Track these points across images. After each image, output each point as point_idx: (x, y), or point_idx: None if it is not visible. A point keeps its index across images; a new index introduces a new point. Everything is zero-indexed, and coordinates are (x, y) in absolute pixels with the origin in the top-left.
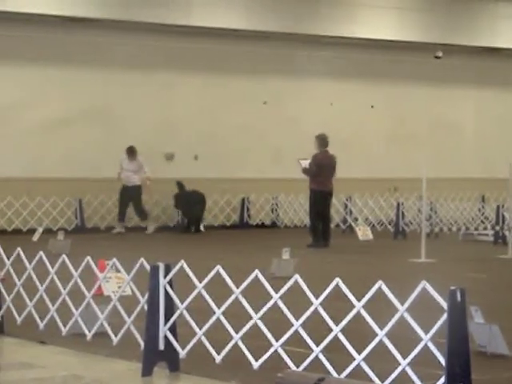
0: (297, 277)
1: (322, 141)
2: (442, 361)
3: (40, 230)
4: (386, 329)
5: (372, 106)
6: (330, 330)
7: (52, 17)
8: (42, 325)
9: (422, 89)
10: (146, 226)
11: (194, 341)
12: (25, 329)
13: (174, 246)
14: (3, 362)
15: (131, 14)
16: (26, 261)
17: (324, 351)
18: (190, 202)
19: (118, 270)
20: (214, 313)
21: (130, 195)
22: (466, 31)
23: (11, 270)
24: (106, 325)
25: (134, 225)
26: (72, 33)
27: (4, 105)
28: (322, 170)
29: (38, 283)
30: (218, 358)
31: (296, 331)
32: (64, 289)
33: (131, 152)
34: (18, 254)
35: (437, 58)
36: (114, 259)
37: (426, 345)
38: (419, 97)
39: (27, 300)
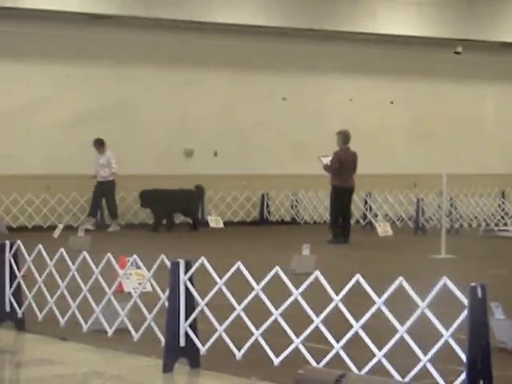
0: (317, 273)
1: (344, 137)
2: (463, 357)
3: (60, 226)
4: (407, 325)
5: (391, 102)
6: (351, 327)
7: (71, 14)
8: (62, 321)
9: (441, 84)
10: (110, 223)
11: (215, 337)
12: (46, 325)
13: (192, 242)
14: (24, 358)
15: (151, 11)
16: (47, 257)
17: (344, 347)
18: (158, 199)
19: (138, 267)
20: (235, 309)
21: (102, 191)
22: (485, 26)
23: (32, 267)
24: (126, 321)
25: (141, 221)
26: (91, 30)
27: (23, 102)
28: (343, 166)
29: (58, 280)
30: (239, 355)
31: (316, 327)
32: (85, 285)
33: (99, 145)
34: (39, 251)
35: (456, 53)
36: (135, 256)
37: (446, 341)
38: (439, 93)
39: (48, 297)
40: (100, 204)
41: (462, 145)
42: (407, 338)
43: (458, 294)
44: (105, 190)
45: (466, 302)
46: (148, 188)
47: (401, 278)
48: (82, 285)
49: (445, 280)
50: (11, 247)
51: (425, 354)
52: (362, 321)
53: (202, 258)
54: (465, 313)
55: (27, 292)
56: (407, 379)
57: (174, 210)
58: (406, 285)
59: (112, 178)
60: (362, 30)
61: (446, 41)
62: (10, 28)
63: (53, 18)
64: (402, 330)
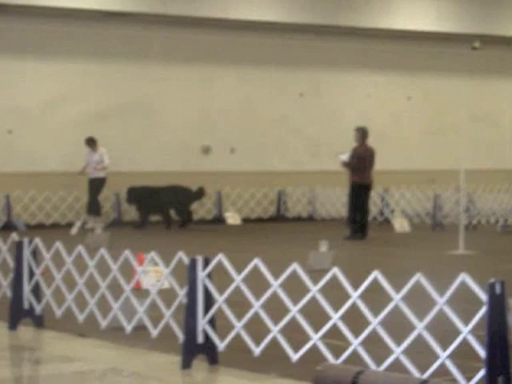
0: (335, 270)
1: (363, 133)
2: (482, 354)
3: (78, 223)
4: (425, 322)
5: (409, 98)
6: (369, 323)
7: (88, 11)
8: (81, 318)
9: (459, 80)
10: (89, 222)
11: (233, 334)
12: (64, 322)
13: (209, 239)
14: (43, 355)
15: (168, 8)
16: (65, 255)
17: (363, 344)
18: (144, 196)
19: (156, 264)
20: (253, 306)
21: (96, 187)
22: (503, 21)
23: (51, 265)
24: (145, 318)
25: (158, 219)
26: (110, 27)
27: (43, 99)
28: (362, 162)
29: (77, 277)
30: (257, 351)
31: (335, 324)
32: (103, 282)
33: (90, 143)
34: (57, 248)
35: (474, 48)
36: (153, 253)
37: (465, 337)
38: (456, 88)
39: (66, 294)
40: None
41: (479, 140)
42: (426, 334)
43: (477, 290)
44: (95, 187)
45: (484, 298)
46: (168, 183)
47: (419, 275)
48: (100, 282)
49: (463, 276)
50: (30, 244)
51: (443, 350)
52: (380, 317)
53: (220, 254)
54: (483, 309)
55: (46, 289)
56: (426, 376)
57: (164, 207)
58: (424, 281)
59: (103, 176)
60: (379, 26)
61: (463, 36)
62: (28, 26)
63: (70, 15)
64: (420, 327)
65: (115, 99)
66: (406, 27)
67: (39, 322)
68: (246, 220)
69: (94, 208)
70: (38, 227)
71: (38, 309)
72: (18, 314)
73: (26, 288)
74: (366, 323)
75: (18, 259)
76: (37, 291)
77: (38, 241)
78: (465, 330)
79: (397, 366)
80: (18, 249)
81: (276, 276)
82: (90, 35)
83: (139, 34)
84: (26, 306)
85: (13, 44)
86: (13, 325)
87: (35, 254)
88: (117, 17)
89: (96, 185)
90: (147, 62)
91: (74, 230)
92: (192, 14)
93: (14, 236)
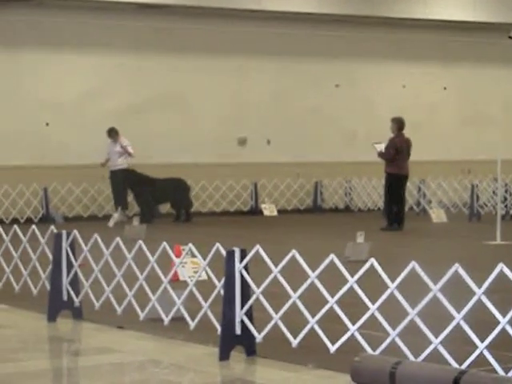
0: (373, 260)
1: (399, 124)
2: None
3: (115, 216)
4: (463, 312)
5: (445, 88)
6: (407, 314)
7: (126, 4)
8: (119, 310)
9: (495, 70)
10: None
11: (271, 325)
12: (103, 314)
13: (246, 230)
14: (82, 346)
15: (204, 0)
16: (103, 247)
17: (400, 335)
18: (140, 187)
19: (193, 255)
20: (290, 297)
21: (120, 179)
22: None
23: (89, 256)
24: (182, 310)
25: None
26: (146, 20)
27: (80, 92)
28: (398, 153)
29: (115, 269)
30: (295, 342)
31: (372, 315)
32: (141, 274)
33: (112, 133)
34: (95, 240)
35: (511, 38)
36: (190, 244)
37: (503, 328)
38: (493, 78)
39: (105, 285)
40: (126, 192)
41: None
42: (464, 324)
43: None
44: (119, 179)
45: None
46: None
47: (457, 265)
48: (138, 273)
49: (501, 266)
50: (68, 237)
51: (482, 340)
52: (419, 308)
53: (258, 246)
54: None
55: (84, 281)
56: (464, 366)
57: (159, 200)
58: (462, 272)
59: (126, 167)
60: (414, 16)
61: (500, 25)
62: (64, 19)
63: (106, 8)
64: (458, 317)
65: (151, 92)
66: (442, 17)
67: (78, 313)
68: (282, 211)
69: (120, 200)
70: (76, 219)
71: (76, 301)
72: (56, 305)
73: (65, 280)
74: (404, 314)
75: (57, 251)
76: (75, 283)
77: (76, 233)
78: (503, 321)
79: (435, 356)
80: (56, 241)
81: (313, 267)
82: (125, 28)
83: (174, 26)
84: (64, 297)
85: (50, 37)
86: (52, 317)
87: (73, 246)
88: (152, 9)
89: (119, 177)
90: (182, 54)
91: (111, 223)
92: (227, 5)
93: (53, 228)
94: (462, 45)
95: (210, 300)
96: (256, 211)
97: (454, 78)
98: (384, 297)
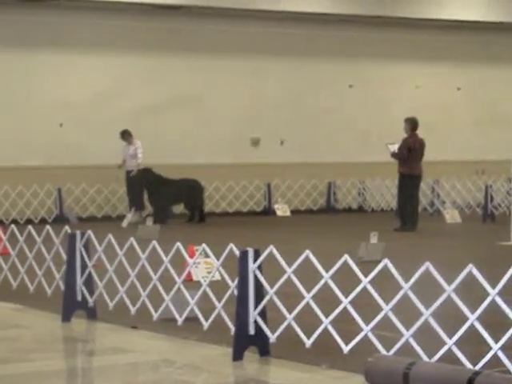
0: (386, 261)
1: (413, 124)
2: None
3: (129, 216)
4: (477, 313)
5: (458, 89)
6: (420, 314)
7: (140, 5)
8: (133, 310)
9: (509, 70)
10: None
11: (284, 325)
12: (117, 314)
13: (259, 231)
14: (96, 346)
15: (219, 0)
16: (117, 247)
17: (414, 335)
18: (155, 187)
19: (207, 256)
20: (304, 297)
21: (134, 180)
22: None
23: (103, 257)
24: (196, 310)
25: (208, 210)
26: (160, 20)
27: (94, 93)
28: (411, 153)
29: (129, 269)
30: (308, 343)
31: (386, 315)
32: (154, 274)
33: (126, 136)
34: (109, 241)
35: None
36: (204, 245)
37: None
38: (507, 78)
39: (119, 286)
40: (142, 193)
41: None
42: (478, 325)
43: None
44: (138, 179)
45: None
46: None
47: (471, 266)
48: (152, 274)
49: None
50: (82, 237)
51: (496, 341)
52: (432, 309)
53: (271, 246)
54: None
55: (98, 281)
56: (478, 367)
57: (173, 201)
58: (475, 272)
59: (141, 168)
60: (428, 16)
61: None
62: (78, 20)
63: (120, 9)
64: (472, 318)
65: (165, 92)
66: (456, 17)
67: (92, 313)
68: (295, 212)
69: (134, 201)
70: (90, 220)
71: (90, 301)
72: (71, 306)
73: (79, 280)
74: (418, 314)
75: (71, 251)
76: (89, 283)
77: (90, 233)
78: None
79: (449, 357)
80: (70, 241)
81: (326, 267)
82: (139, 29)
83: (189, 27)
84: (78, 298)
85: (64, 38)
86: (66, 317)
87: (87, 246)
88: (166, 10)
89: (134, 178)
90: (197, 54)
91: (125, 223)
92: (242, 6)
93: (67, 229)
94: (475, 45)
95: (224, 300)
96: (269, 212)
97: (467, 78)
98: (398, 297)
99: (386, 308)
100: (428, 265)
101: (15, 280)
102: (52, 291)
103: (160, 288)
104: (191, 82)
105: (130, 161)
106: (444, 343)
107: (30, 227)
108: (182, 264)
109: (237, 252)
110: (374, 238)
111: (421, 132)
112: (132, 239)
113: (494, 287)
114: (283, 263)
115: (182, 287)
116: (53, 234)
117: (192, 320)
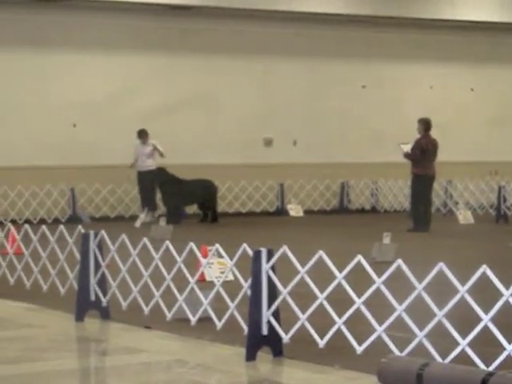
0: (399, 261)
1: (426, 125)
2: None
3: (142, 216)
4: (491, 313)
5: (472, 89)
6: (434, 315)
7: (154, 5)
8: (146, 310)
9: None
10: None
11: (297, 326)
12: (130, 314)
13: (272, 231)
14: (110, 346)
15: (233, 1)
16: (130, 247)
17: (428, 336)
18: (168, 187)
19: (220, 256)
20: (317, 298)
21: (148, 180)
22: None
23: (116, 257)
24: (209, 310)
25: (221, 210)
26: (174, 21)
27: (107, 93)
28: (424, 154)
29: (142, 269)
30: (322, 343)
31: (399, 316)
32: (168, 274)
33: (143, 135)
34: (122, 241)
35: None
36: (217, 245)
37: None
38: None
39: (132, 286)
40: (155, 193)
41: None
42: (492, 326)
43: None
44: (148, 180)
45: None
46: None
47: (485, 267)
48: (165, 274)
49: None
50: (95, 237)
51: (509, 342)
52: (446, 309)
53: (284, 246)
54: None
55: (111, 281)
56: (492, 368)
57: (187, 201)
58: (489, 273)
59: (153, 168)
60: (441, 17)
61: None
62: (92, 20)
63: (134, 9)
64: (486, 319)
65: (178, 92)
66: (469, 17)
67: (105, 313)
68: (308, 212)
69: (147, 201)
70: (103, 220)
71: (104, 301)
72: (84, 305)
73: (92, 280)
74: (431, 315)
75: (84, 251)
76: (103, 283)
77: (103, 233)
78: None
79: (462, 358)
80: (83, 241)
81: (339, 268)
82: (153, 29)
83: (202, 27)
84: (92, 297)
85: (78, 38)
86: (79, 316)
87: (101, 246)
88: (180, 10)
89: (147, 178)
90: (210, 55)
91: (138, 223)
92: (255, 6)
93: (80, 228)
94: (489, 45)
95: (237, 300)
96: (282, 212)
97: (481, 78)
98: (411, 298)
99: (400, 308)
100: (441, 265)
101: (29, 280)
102: (65, 291)
103: (173, 288)
104: (204, 82)
105: (144, 160)
106: (457, 344)
107: (43, 227)
108: (196, 264)
109: (250, 252)
110: (386, 239)
111: (434, 132)
112: (145, 239)
113: (507, 288)
114: (296, 263)
115: (195, 287)
116: (66, 234)
117: (205, 320)
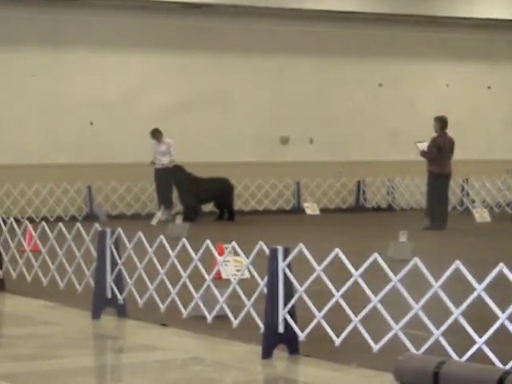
0: (416, 259)
1: (442, 123)
2: None
3: (158, 214)
4: (508, 312)
5: (489, 87)
6: (451, 313)
7: (169, 3)
8: (163, 307)
9: None
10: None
11: (314, 324)
12: (146, 311)
13: (288, 229)
14: (126, 344)
15: (245, 0)
16: (147, 245)
17: (444, 334)
18: (185, 185)
19: (236, 254)
20: (333, 296)
21: (164, 178)
22: None
23: (133, 254)
24: (225, 308)
25: (237, 208)
26: (188, 19)
27: (123, 91)
28: (441, 152)
29: (158, 267)
30: (338, 341)
31: (416, 314)
32: (184, 272)
33: (156, 134)
34: (139, 238)
35: None
36: (233, 243)
37: None
38: None
39: (148, 283)
40: (171, 191)
41: None
42: (508, 324)
43: None
44: (164, 177)
45: None
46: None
47: (501, 265)
48: (182, 271)
49: None
50: (112, 234)
51: None
52: (462, 308)
53: (301, 244)
54: None
55: (128, 279)
56: (509, 366)
57: (203, 199)
58: (506, 271)
59: (172, 166)
60: (458, 15)
61: None
62: (107, 18)
63: (149, 7)
64: (502, 317)
65: (193, 91)
66: (486, 16)
67: (122, 311)
68: (324, 210)
69: (163, 199)
70: (119, 217)
71: (120, 298)
72: (100, 303)
73: (109, 278)
74: (447, 313)
75: (101, 249)
76: (119, 281)
77: (120, 231)
78: None
79: (479, 356)
80: (100, 239)
81: (355, 266)
82: (168, 27)
83: (217, 25)
84: (108, 295)
85: (93, 37)
86: (96, 314)
87: (117, 243)
88: (194, 8)
89: (163, 176)
90: (225, 53)
91: (155, 221)
92: (269, 4)
93: (97, 226)
94: (506, 44)
95: (253, 298)
96: (298, 210)
97: (498, 77)
98: (427, 296)
99: (416, 307)
100: (458, 263)
101: (46, 277)
102: (82, 288)
103: (189, 286)
104: (220, 81)
105: (159, 158)
106: (474, 342)
107: (60, 224)
108: (212, 262)
109: (266, 250)
110: (403, 237)
111: (451, 131)
112: (162, 237)
113: None
114: (313, 261)
115: (211, 285)
116: (83, 232)
117: (221, 318)
